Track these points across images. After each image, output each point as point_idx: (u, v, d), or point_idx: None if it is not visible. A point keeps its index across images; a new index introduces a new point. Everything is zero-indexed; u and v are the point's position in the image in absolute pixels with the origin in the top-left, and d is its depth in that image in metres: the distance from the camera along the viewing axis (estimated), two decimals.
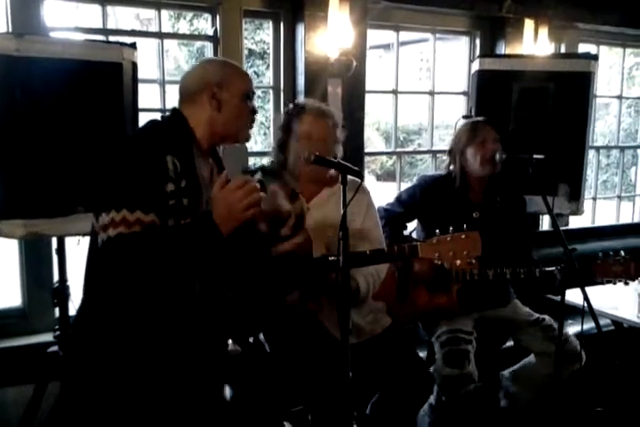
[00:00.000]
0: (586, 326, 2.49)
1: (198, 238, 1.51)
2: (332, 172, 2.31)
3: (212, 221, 1.51)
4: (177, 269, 1.52)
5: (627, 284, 2.48)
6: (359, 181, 1.93)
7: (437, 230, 2.07)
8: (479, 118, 2.87)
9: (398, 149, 4.10)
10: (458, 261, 2.01)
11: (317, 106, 2.43)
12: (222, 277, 1.73)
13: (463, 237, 2.02)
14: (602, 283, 2.49)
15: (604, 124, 8.90)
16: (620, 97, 4.96)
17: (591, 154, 4.41)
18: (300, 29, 3.28)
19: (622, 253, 2.49)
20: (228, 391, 1.99)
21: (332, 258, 2.07)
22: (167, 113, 1.80)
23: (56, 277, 2.50)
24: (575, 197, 3.20)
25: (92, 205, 1.63)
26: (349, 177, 1.86)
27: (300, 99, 2.44)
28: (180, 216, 1.61)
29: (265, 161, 3.05)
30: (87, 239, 2.34)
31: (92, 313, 1.67)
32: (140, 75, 2.46)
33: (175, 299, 1.64)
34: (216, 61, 1.89)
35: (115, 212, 1.51)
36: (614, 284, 2.48)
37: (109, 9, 3.01)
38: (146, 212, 1.52)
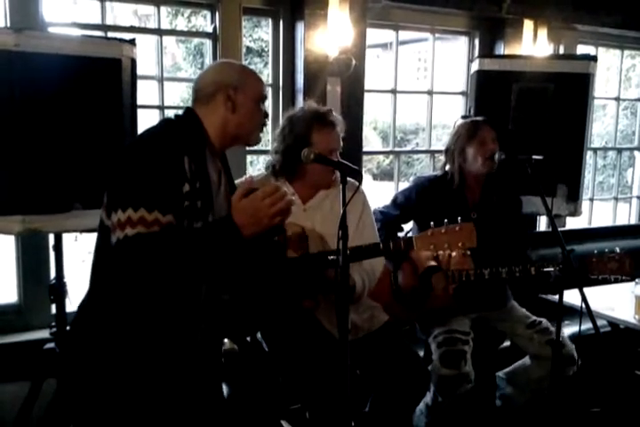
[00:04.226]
0: (582, 327, 2.49)
1: (219, 241, 1.50)
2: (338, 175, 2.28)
3: (233, 224, 1.49)
4: (193, 270, 1.52)
5: (622, 281, 2.48)
6: (356, 182, 1.90)
7: (432, 222, 2.06)
8: (479, 118, 2.86)
9: (396, 149, 4.10)
10: (453, 253, 2.00)
11: (332, 118, 2.31)
12: (228, 278, 1.72)
13: (457, 228, 2.02)
14: (597, 280, 2.48)
15: (601, 126, 8.91)
16: (617, 99, 4.96)
17: (588, 155, 4.41)
18: (300, 27, 3.27)
19: (617, 249, 2.49)
20: (225, 389, 1.99)
21: (332, 257, 2.06)
22: (180, 112, 1.78)
23: (53, 274, 2.49)
24: (573, 198, 3.20)
25: (108, 200, 1.60)
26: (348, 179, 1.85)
27: (311, 104, 2.34)
28: (194, 218, 1.61)
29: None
30: (84, 236, 2.39)
31: (97, 310, 1.66)
32: (139, 71, 2.45)
33: (183, 299, 1.64)
34: (233, 64, 1.87)
35: (132, 210, 1.49)
36: (610, 281, 2.48)
37: (108, 4, 3.00)
38: (164, 212, 1.51)
